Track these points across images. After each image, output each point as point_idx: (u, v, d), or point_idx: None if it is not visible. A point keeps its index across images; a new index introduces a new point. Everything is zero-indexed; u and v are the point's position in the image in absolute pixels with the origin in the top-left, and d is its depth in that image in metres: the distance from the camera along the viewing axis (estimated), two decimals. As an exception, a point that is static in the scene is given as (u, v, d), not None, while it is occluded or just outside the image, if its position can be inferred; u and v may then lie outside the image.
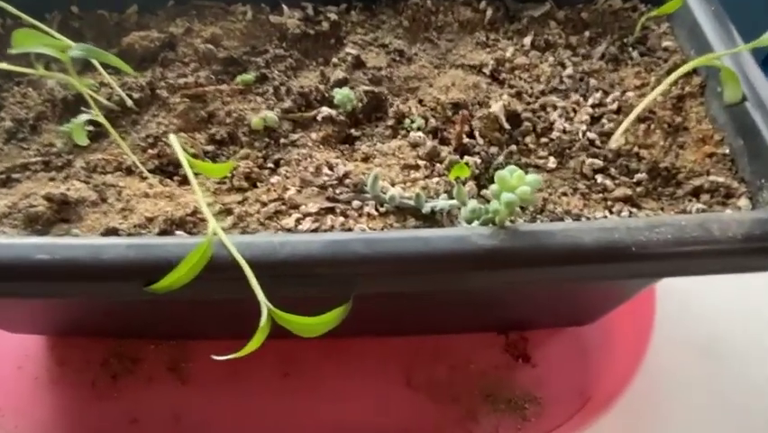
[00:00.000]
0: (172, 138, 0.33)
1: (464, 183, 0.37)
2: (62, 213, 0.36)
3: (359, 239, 0.30)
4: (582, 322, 0.51)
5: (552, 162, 0.38)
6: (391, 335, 0.49)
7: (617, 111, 0.41)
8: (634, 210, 0.35)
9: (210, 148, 0.41)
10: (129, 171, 0.39)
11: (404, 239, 0.30)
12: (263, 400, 0.50)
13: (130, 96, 0.42)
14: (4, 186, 0.39)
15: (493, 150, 0.39)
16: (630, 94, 0.42)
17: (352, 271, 0.29)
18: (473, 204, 0.32)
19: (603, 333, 0.54)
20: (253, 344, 0.27)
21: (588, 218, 0.35)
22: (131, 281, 0.29)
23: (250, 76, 0.44)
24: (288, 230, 0.34)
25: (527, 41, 0.46)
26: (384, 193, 0.36)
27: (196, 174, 0.31)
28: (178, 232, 0.34)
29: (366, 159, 0.39)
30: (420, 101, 0.42)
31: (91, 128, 0.40)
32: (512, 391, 0.50)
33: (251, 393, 0.50)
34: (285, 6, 0.47)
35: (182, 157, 0.32)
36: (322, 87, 0.43)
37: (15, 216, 0.36)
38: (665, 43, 0.45)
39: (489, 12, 0.47)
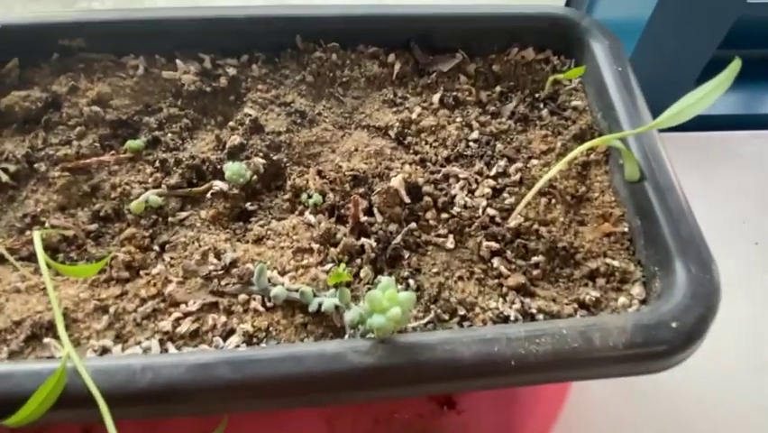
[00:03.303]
0: (35, 235, 0.31)
1: (360, 268, 0.36)
2: None
3: (226, 361, 0.28)
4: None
5: (450, 242, 0.37)
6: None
7: (520, 182, 0.39)
8: (527, 300, 0.34)
9: (93, 226, 0.38)
10: (2, 260, 0.36)
11: (275, 360, 0.28)
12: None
13: (5, 171, 0.39)
14: None
15: (392, 227, 0.38)
16: (535, 162, 0.40)
17: (220, 398, 0.28)
18: (354, 312, 0.31)
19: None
20: None
21: (483, 310, 0.34)
22: (-23, 416, 0.27)
23: (139, 142, 0.41)
24: (165, 333, 0.32)
25: (436, 98, 0.44)
26: (272, 285, 0.34)
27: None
28: (46, 339, 0.32)
29: (258, 240, 0.37)
30: (319, 171, 0.40)
31: (-43, 211, 0.37)
32: (439, 440, 0.50)
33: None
34: (179, 60, 0.44)
35: (41, 258, 0.30)
36: (214, 156, 0.40)
37: None
38: (575, 102, 0.43)
39: (398, 66, 0.45)
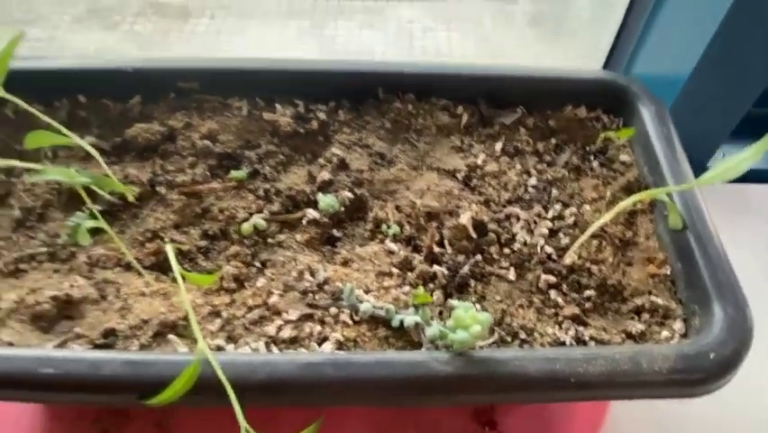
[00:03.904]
0: (168, 248, 0.37)
1: (433, 292, 0.41)
2: (65, 311, 0.40)
3: (329, 362, 0.34)
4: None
5: (512, 274, 0.42)
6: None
7: (574, 225, 0.45)
8: (580, 328, 0.39)
9: (203, 243, 0.45)
10: (127, 267, 0.43)
11: (371, 363, 0.34)
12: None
13: (132, 192, 0.46)
14: (13, 276, 0.42)
15: (460, 258, 0.43)
16: (587, 207, 0.46)
17: (323, 393, 0.33)
18: (435, 329, 0.36)
19: (564, 404, 0.58)
20: None
21: (541, 335, 0.39)
22: (126, 395, 0.33)
23: (242, 172, 0.48)
24: (270, 337, 0.38)
25: (498, 147, 0.50)
26: (359, 302, 0.40)
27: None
28: (170, 336, 0.38)
29: (345, 263, 0.43)
30: (397, 206, 0.46)
31: (93, 222, 0.44)
32: (478, 457, 0.54)
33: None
34: (278, 104, 0.51)
35: (176, 269, 0.36)
36: (308, 189, 0.47)
37: (22, 312, 0.39)
38: (622, 157, 0.49)
39: (465, 117, 0.51)
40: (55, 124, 0.42)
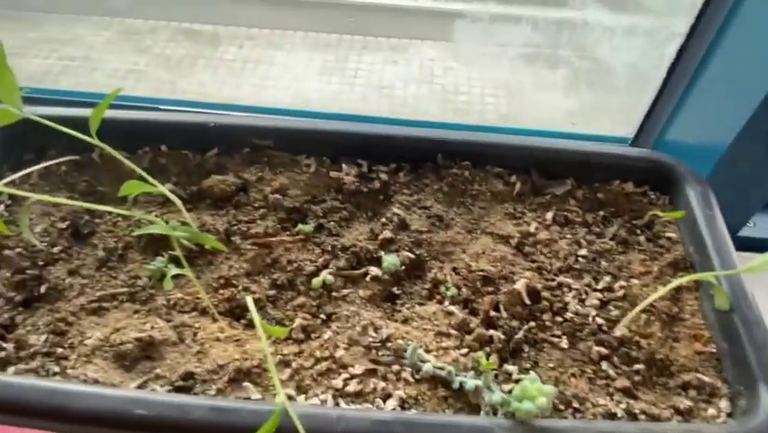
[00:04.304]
0: (248, 300, 0.40)
1: (488, 356, 0.44)
2: (147, 351, 0.42)
3: (399, 421, 0.36)
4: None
5: (564, 343, 0.45)
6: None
7: (623, 297, 0.47)
8: (631, 401, 0.41)
9: (272, 292, 0.48)
10: (203, 312, 0.46)
11: (436, 425, 0.36)
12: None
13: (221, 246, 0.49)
14: (95, 313, 0.46)
15: (515, 323, 0.46)
16: (635, 281, 0.48)
17: (394, 450, 0.36)
18: (498, 395, 0.38)
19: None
20: None
21: (593, 405, 0.41)
22: (211, 439, 0.36)
23: (309, 226, 0.51)
24: (337, 390, 0.41)
25: (549, 216, 0.53)
26: (421, 362, 0.42)
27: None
28: (245, 383, 0.41)
29: (406, 321, 0.46)
30: (454, 268, 0.49)
31: (177, 270, 0.47)
32: None
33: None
34: (343, 164, 0.55)
35: (257, 321, 0.39)
36: (371, 246, 0.50)
37: (107, 351, 0.42)
38: (668, 233, 0.52)
39: (518, 185, 0.55)
40: (138, 170, 0.46)
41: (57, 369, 0.42)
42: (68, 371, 0.41)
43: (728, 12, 0.71)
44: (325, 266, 0.49)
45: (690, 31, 0.77)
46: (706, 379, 0.42)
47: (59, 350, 0.43)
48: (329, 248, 0.50)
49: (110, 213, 0.52)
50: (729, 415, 0.41)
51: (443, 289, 0.48)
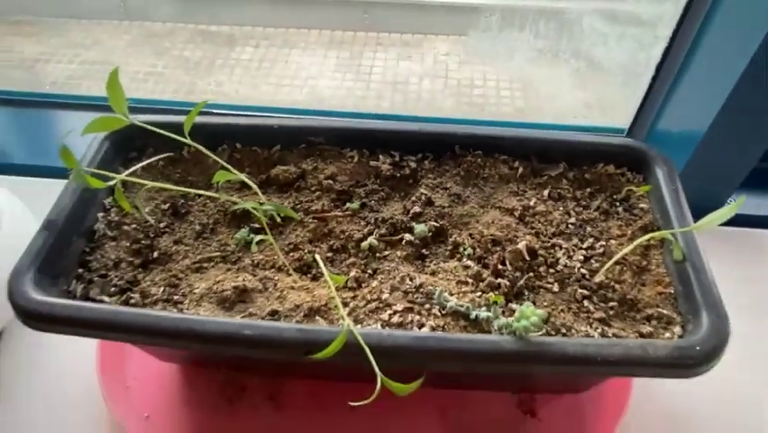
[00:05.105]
0: (317, 257, 0.54)
1: (496, 301, 0.57)
2: (241, 297, 0.57)
3: (432, 337, 0.50)
4: (578, 390, 0.70)
5: (555, 288, 0.58)
6: (436, 386, 0.68)
7: (602, 254, 0.60)
8: (605, 328, 0.54)
9: (329, 254, 0.62)
10: (279, 269, 0.60)
11: (461, 340, 0.50)
12: (337, 425, 0.69)
13: (278, 215, 0.64)
14: (198, 272, 0.60)
15: (517, 274, 0.59)
16: (613, 242, 0.62)
17: (428, 358, 0.49)
18: (503, 321, 0.52)
19: (593, 397, 0.72)
20: (371, 399, 0.47)
21: (576, 331, 0.54)
22: (298, 351, 0.50)
23: (355, 204, 0.65)
24: (384, 321, 0.55)
25: (546, 192, 0.66)
26: (446, 301, 0.56)
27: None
28: (316, 317, 0.55)
29: (433, 273, 0.60)
30: (470, 234, 0.63)
31: (261, 236, 0.61)
32: (519, 439, 0.69)
33: (332, 419, 0.70)
34: (380, 155, 0.69)
35: (326, 273, 0.53)
36: (404, 218, 0.64)
37: (211, 297, 0.57)
38: (641, 205, 0.65)
39: (521, 169, 0.68)
40: (222, 162, 0.61)
41: (175, 310, 0.56)
42: (185, 311, 0.56)
43: (703, 20, 0.84)
44: (370, 234, 0.63)
45: (673, 35, 0.90)
46: (664, 312, 0.55)
47: (175, 297, 0.58)
48: (372, 221, 0.64)
49: (200, 196, 0.67)
50: (680, 337, 0.54)
51: (461, 249, 0.61)
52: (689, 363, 0.49)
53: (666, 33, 0.91)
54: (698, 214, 0.58)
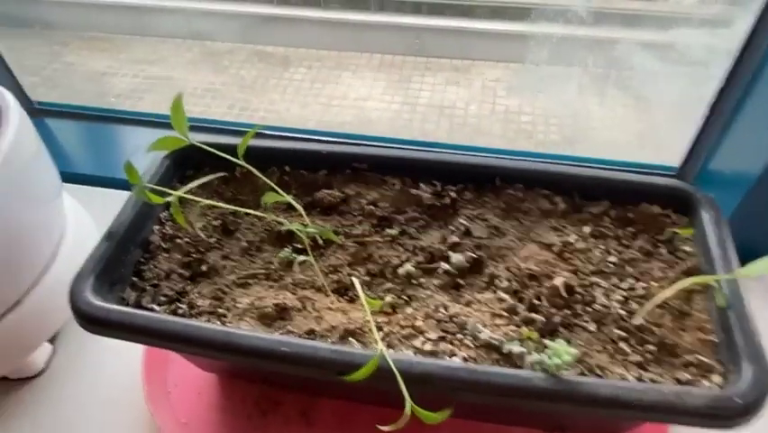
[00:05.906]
0: (355, 281, 0.56)
1: (530, 337, 0.57)
2: (281, 314, 0.59)
3: (463, 368, 0.51)
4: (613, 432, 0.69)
5: (592, 327, 0.57)
6: (466, 418, 0.68)
7: (643, 296, 0.60)
8: (641, 372, 0.53)
9: (367, 278, 0.64)
10: (318, 289, 0.62)
11: (492, 373, 0.50)
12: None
13: (320, 237, 0.66)
14: (242, 287, 0.63)
15: (553, 310, 0.59)
16: (654, 284, 0.61)
17: (458, 388, 0.50)
18: (536, 357, 0.52)
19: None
20: (399, 424, 0.48)
21: (611, 373, 0.54)
22: (331, 371, 0.51)
23: (395, 231, 0.67)
24: (416, 348, 0.56)
25: (586, 230, 0.66)
26: (478, 333, 0.56)
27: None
28: (350, 339, 0.57)
29: (468, 304, 0.60)
30: (507, 267, 0.63)
31: (303, 257, 0.64)
32: (549, 476, 0.68)
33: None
34: (421, 183, 0.71)
35: (362, 296, 0.55)
36: (442, 247, 0.65)
37: (253, 312, 0.60)
38: (686, 248, 0.63)
39: (562, 205, 0.68)
40: (271, 184, 0.64)
41: (219, 323, 0.59)
42: (227, 325, 0.59)
43: (762, 58, 0.82)
44: (407, 261, 0.64)
45: (728, 74, 0.89)
46: (704, 359, 0.54)
47: (219, 310, 0.61)
48: (410, 248, 0.65)
49: (248, 215, 0.70)
50: (720, 387, 0.52)
51: (497, 282, 0.62)
52: (727, 415, 0.48)
53: (720, 73, 0.90)
54: (746, 257, 0.56)
